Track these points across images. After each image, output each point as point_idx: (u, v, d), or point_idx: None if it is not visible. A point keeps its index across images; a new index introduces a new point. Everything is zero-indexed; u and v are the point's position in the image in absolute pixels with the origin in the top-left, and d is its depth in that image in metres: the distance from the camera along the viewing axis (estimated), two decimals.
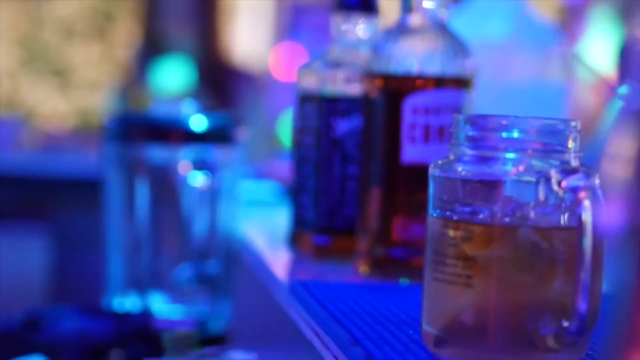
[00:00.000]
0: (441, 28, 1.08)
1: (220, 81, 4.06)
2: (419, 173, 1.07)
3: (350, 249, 1.12)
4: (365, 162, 1.09)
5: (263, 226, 1.43)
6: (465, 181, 0.71)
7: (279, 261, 1.19)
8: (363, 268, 1.08)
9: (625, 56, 2.04)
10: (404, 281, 1.06)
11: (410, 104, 1.05)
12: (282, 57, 4.11)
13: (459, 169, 0.72)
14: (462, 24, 1.22)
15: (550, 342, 0.70)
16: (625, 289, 0.48)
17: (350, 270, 1.10)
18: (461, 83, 1.07)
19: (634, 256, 0.47)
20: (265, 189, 1.96)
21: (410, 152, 1.06)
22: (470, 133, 0.72)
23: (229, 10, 4.26)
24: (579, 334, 0.69)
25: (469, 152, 0.72)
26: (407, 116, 1.06)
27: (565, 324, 0.69)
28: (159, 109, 1.40)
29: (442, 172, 0.73)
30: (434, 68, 1.06)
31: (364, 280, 1.07)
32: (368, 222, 1.08)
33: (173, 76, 3.91)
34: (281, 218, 1.52)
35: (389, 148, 1.07)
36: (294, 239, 1.19)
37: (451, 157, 0.73)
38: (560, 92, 1.57)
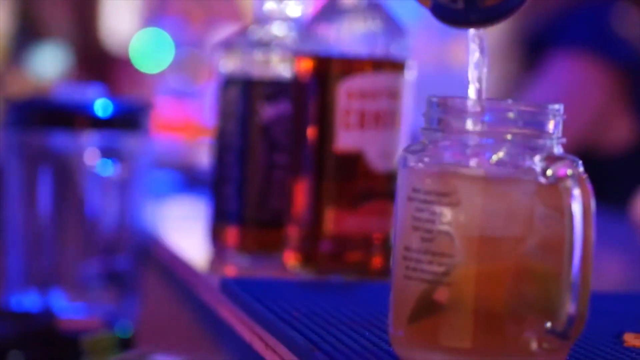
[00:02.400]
0: (375, 7, 1.01)
1: (98, 66, 3.94)
2: (353, 161, 1.00)
3: (278, 243, 1.05)
4: (294, 149, 1.03)
5: (178, 218, 1.35)
6: (440, 170, 0.65)
7: (199, 256, 1.11)
8: (292, 263, 1.02)
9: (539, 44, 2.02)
10: (336, 277, 1.00)
11: (346, 88, 0.99)
12: (145, 43, 4.01)
13: (435, 155, 0.65)
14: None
15: (533, 345, 0.64)
16: None
17: (278, 266, 1.03)
18: (398, 66, 1.01)
19: None
20: (163, 178, 1.87)
21: (344, 139, 1.00)
22: (445, 117, 0.66)
23: None
24: (565, 337, 0.64)
25: (444, 137, 0.66)
26: (342, 101, 0.99)
27: (550, 326, 0.64)
28: (60, 93, 1.31)
29: (415, 159, 0.66)
30: (370, 50, 1.00)
31: (294, 276, 1.00)
32: (297, 214, 1.02)
33: (50, 61, 3.77)
34: (191, 209, 1.44)
35: (321, 135, 1.00)
36: (216, 233, 1.11)
37: (424, 142, 0.67)
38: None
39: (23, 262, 1.24)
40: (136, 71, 3.93)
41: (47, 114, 1.22)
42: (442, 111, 0.66)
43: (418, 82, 1.04)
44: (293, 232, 1.02)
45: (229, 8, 4.00)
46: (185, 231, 1.27)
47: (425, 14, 0.72)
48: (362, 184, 1.00)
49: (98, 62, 3.97)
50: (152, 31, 4.00)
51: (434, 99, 0.66)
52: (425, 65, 1.12)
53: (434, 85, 1.30)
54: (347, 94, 0.99)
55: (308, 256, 1.01)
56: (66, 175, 1.22)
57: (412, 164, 0.66)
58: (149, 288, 1.26)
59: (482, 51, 0.65)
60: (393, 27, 1.01)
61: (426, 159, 0.65)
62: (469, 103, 0.66)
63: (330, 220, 1.00)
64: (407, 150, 0.67)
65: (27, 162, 1.23)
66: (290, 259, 1.02)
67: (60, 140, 1.22)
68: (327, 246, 1.00)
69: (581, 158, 0.65)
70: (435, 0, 0.62)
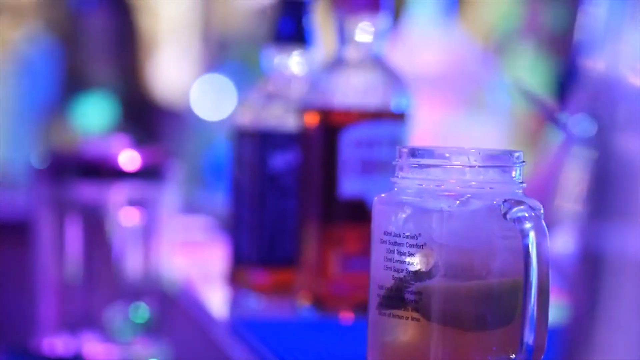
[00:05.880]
0: (377, 61, 1.07)
1: (144, 117, 4.02)
2: (357, 207, 1.06)
3: (290, 285, 1.11)
4: (303, 196, 1.08)
5: (198, 263, 1.41)
6: (409, 213, 0.70)
7: (216, 299, 1.17)
8: (303, 304, 1.07)
9: (567, 85, 2.06)
10: (344, 317, 1.05)
11: (347, 138, 1.05)
12: (205, 91, 4.08)
13: (403, 201, 0.71)
14: (396, 55, 1.21)
15: None
16: (578, 317, 0.47)
17: (291, 307, 1.09)
18: (398, 116, 1.06)
19: (586, 284, 0.47)
20: (196, 225, 1.93)
21: (348, 186, 1.05)
22: (414, 165, 0.71)
23: (151, 44, 4.22)
24: None
25: (413, 183, 0.71)
26: (344, 150, 1.05)
27: (513, 356, 0.69)
28: (88, 146, 1.38)
29: (386, 204, 0.72)
30: (370, 101, 1.06)
31: (305, 316, 1.05)
32: (306, 257, 1.07)
33: (96, 112, 3.86)
34: (217, 254, 1.50)
35: (326, 182, 1.06)
36: (233, 276, 1.17)
37: (395, 189, 0.72)
38: (494, 121, 1.58)
39: (54, 307, 1.30)
40: (188, 121, 4.00)
41: (75, 166, 1.29)
42: (411, 160, 0.71)
43: (415, 129, 1.09)
44: (303, 275, 1.08)
45: None
46: (207, 275, 1.33)
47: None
48: (365, 228, 1.05)
49: (146, 113, 4.04)
50: (213, 77, 4.07)
51: (404, 149, 0.72)
52: (421, 112, 1.17)
53: (430, 131, 1.36)
54: (349, 143, 1.05)
55: (317, 297, 1.06)
56: (94, 224, 1.29)
57: (382, 209, 0.71)
58: (175, 330, 1.32)
59: None
60: (394, 79, 1.07)
61: (395, 205, 0.71)
62: (436, 151, 0.71)
63: (338, 263, 1.06)
64: (379, 196, 0.72)
65: (57, 212, 1.30)
66: (301, 300, 1.07)
67: (88, 191, 1.29)
68: (335, 287, 1.06)
69: None
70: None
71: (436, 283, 0.69)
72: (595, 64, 0.41)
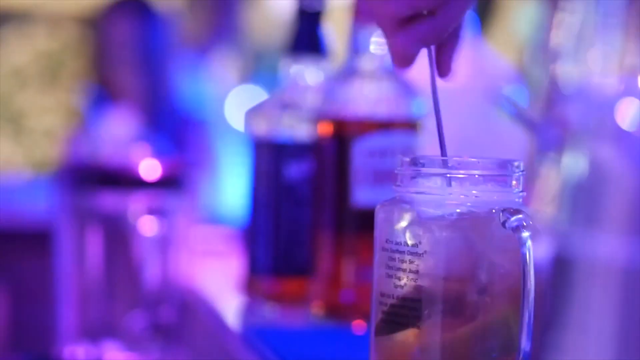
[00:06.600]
0: (389, 72, 1.08)
1: (171, 127, 4.04)
2: (370, 216, 1.06)
3: (303, 294, 1.12)
4: (316, 205, 1.10)
5: (218, 272, 1.42)
6: (409, 222, 0.71)
7: (231, 307, 1.18)
8: (316, 312, 1.08)
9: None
10: (357, 326, 1.06)
11: (360, 147, 1.06)
12: (238, 102, 4.09)
13: (404, 209, 0.72)
14: (416, 66, 1.22)
15: None
16: (550, 320, 0.48)
17: (304, 316, 1.10)
18: (409, 126, 1.07)
19: (558, 288, 0.48)
20: (218, 234, 1.95)
21: (360, 195, 1.06)
22: (415, 174, 0.72)
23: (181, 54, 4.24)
24: None
25: (414, 193, 0.72)
26: (357, 159, 1.06)
27: None
28: (109, 155, 1.40)
29: (387, 212, 0.73)
30: (383, 111, 1.07)
31: (318, 325, 1.06)
32: (320, 265, 1.08)
33: (123, 122, 3.89)
34: (237, 263, 1.52)
35: (339, 191, 1.07)
36: (249, 284, 1.19)
37: (396, 198, 0.73)
38: (516, 134, 1.58)
39: (75, 315, 1.32)
40: (220, 131, 4.01)
41: (96, 176, 1.31)
42: (412, 169, 0.72)
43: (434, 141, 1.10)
44: (317, 283, 1.09)
45: None
46: (225, 284, 1.34)
47: None
48: None
49: (174, 123, 4.06)
50: (247, 88, 4.08)
51: (405, 158, 0.73)
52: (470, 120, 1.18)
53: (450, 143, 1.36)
54: (361, 152, 1.06)
55: (331, 306, 1.07)
56: (114, 232, 1.31)
57: (384, 217, 0.72)
58: (192, 338, 1.33)
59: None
60: (406, 90, 1.08)
61: (396, 213, 0.72)
62: (438, 161, 0.72)
63: (350, 272, 1.07)
64: (381, 205, 0.73)
65: (77, 221, 1.32)
66: (315, 308, 1.08)
67: (108, 200, 1.31)
68: (348, 296, 1.07)
69: None
70: None
71: (436, 290, 0.69)
72: (568, 71, 0.42)
